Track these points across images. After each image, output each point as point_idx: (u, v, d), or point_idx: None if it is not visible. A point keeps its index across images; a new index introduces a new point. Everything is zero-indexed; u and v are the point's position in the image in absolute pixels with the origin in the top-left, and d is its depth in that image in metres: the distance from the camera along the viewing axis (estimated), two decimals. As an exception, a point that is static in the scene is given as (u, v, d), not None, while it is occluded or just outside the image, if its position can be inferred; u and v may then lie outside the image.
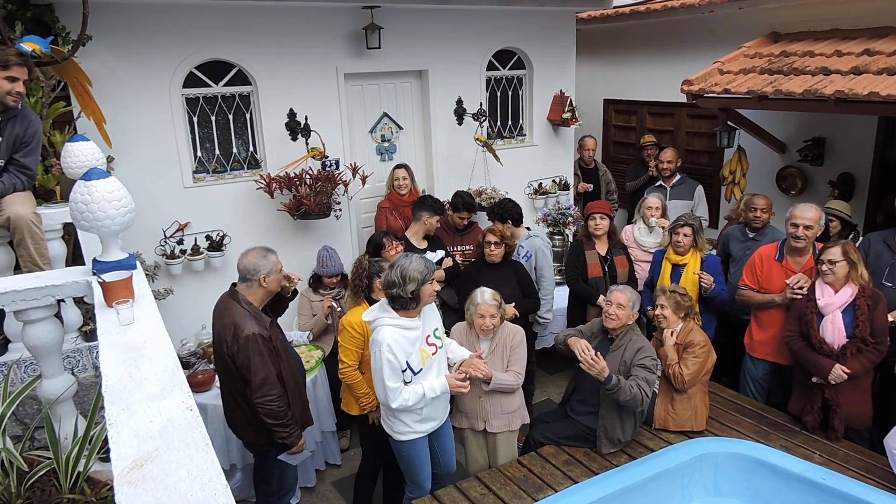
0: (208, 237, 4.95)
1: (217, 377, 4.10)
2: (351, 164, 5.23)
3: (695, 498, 3.85)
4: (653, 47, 7.28)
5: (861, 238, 4.69)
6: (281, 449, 3.48)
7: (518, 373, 3.77)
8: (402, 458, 3.55)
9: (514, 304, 4.46)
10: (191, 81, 4.81)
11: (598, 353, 3.66)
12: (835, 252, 3.79)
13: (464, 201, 5.22)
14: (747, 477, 3.83)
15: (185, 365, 4.36)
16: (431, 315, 3.44)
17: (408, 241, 4.89)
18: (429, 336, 3.37)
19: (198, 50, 4.72)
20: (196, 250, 4.87)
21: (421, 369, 3.29)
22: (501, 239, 4.55)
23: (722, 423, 4.14)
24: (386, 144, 5.83)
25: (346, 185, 5.16)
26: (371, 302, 3.80)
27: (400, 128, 5.86)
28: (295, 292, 3.69)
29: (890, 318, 3.92)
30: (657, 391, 4.05)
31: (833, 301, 3.82)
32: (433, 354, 3.36)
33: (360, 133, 5.70)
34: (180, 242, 4.85)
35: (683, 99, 5.72)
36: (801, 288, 4.00)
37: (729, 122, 5.78)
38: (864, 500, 3.44)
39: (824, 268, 3.80)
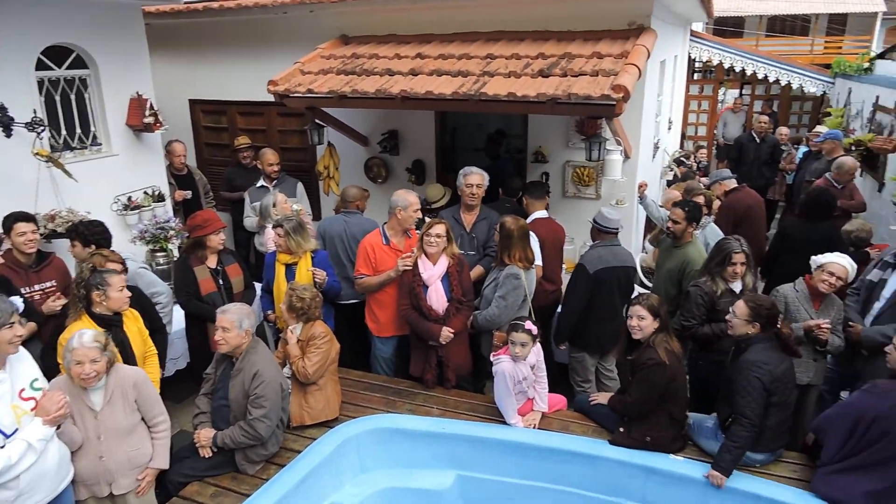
0: None
1: None
2: None
3: (345, 482, 4.02)
4: (236, 46, 7.13)
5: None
6: None
7: (161, 423, 3.50)
8: None
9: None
10: None
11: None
12: (440, 228, 4.38)
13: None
14: (386, 447, 4.16)
15: None
16: (25, 365, 2.97)
17: None
18: (23, 390, 2.90)
19: None
20: None
21: (17, 429, 2.80)
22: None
23: (356, 405, 4.39)
24: None
25: None
26: (91, 315, 3.68)
27: (-82, 144, 4.48)
28: None
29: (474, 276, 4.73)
30: (290, 391, 4.07)
31: (434, 272, 4.40)
32: (33, 410, 2.89)
33: None
34: None
35: (272, 98, 5.76)
36: (407, 262, 4.45)
37: (316, 120, 6.05)
38: (476, 436, 4.09)
39: (432, 240, 4.34)
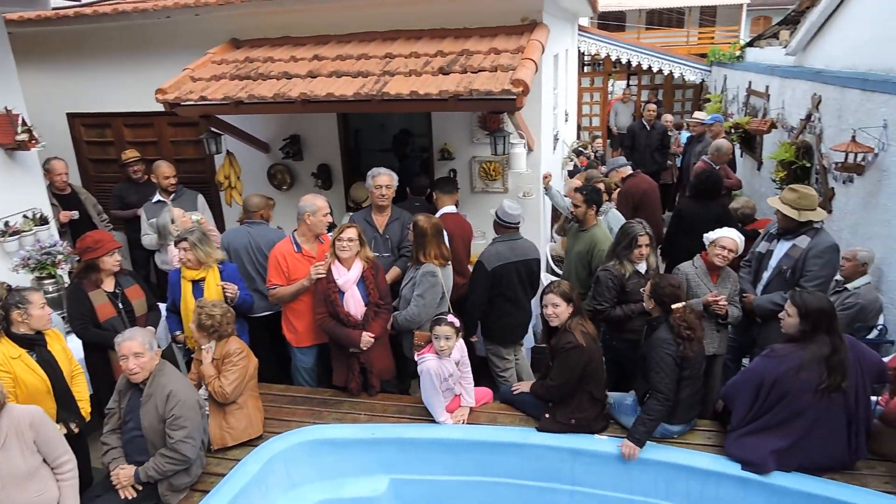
0: None
1: None
2: None
3: (276, 500, 3.88)
4: (117, 53, 6.68)
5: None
6: None
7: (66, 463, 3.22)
8: None
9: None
10: None
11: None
12: (351, 232, 4.29)
13: None
14: (315, 459, 4.06)
15: None
16: None
17: None
18: None
19: None
20: None
21: None
22: None
23: (280, 420, 4.25)
24: None
25: None
26: (10, 335, 3.60)
27: None
28: None
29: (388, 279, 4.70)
30: (208, 412, 3.89)
31: (349, 277, 4.32)
32: None
33: None
34: None
35: (161, 108, 5.45)
36: (320, 270, 4.33)
37: (212, 129, 5.79)
38: (406, 438, 4.07)
39: (344, 244, 4.25)
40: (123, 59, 6.68)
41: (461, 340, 4.15)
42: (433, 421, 4.14)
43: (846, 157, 5.03)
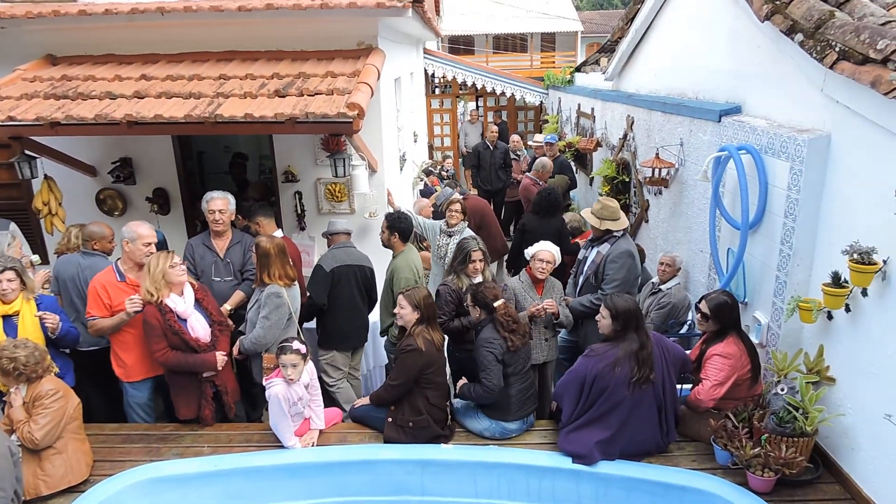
0: None
1: None
2: None
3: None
4: None
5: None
6: None
7: None
8: None
9: None
10: None
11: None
12: (176, 258, 4.19)
13: None
14: (153, 499, 3.84)
15: None
16: None
17: None
18: None
19: None
20: None
21: None
22: None
23: (113, 461, 3.99)
24: None
25: None
26: None
27: None
28: None
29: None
30: (20, 458, 3.54)
31: (189, 302, 4.23)
32: None
33: None
34: None
35: (-39, 128, 4.91)
36: (136, 304, 4.14)
37: (26, 151, 5.31)
38: (251, 467, 3.97)
39: (178, 270, 4.15)
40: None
41: (311, 363, 4.14)
42: (281, 447, 4.07)
43: (653, 172, 5.64)
